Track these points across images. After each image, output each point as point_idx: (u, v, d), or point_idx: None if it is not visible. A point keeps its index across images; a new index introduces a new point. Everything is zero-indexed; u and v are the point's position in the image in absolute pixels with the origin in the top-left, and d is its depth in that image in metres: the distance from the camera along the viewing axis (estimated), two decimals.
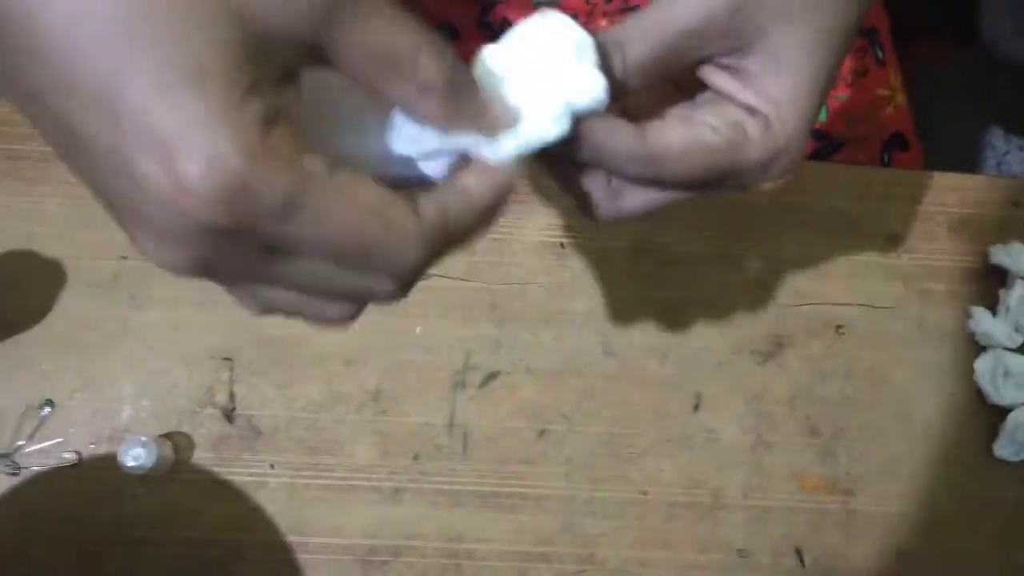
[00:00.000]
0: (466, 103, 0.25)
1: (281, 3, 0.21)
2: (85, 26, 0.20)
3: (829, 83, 0.31)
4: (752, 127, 0.30)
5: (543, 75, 0.27)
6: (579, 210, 0.33)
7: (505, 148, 0.26)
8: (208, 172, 0.20)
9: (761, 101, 0.30)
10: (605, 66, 0.28)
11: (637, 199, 0.31)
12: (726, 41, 0.29)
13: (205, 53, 0.20)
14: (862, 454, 0.49)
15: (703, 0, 0.29)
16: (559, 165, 0.32)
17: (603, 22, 0.56)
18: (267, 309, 0.26)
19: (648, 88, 0.30)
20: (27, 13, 0.20)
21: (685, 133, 0.29)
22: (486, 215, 0.26)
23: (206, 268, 0.23)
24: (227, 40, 0.20)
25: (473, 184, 0.26)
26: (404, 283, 0.25)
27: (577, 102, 0.27)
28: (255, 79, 0.21)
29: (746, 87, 0.30)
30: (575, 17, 0.55)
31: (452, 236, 0.25)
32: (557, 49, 0.27)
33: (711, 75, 0.31)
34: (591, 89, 0.27)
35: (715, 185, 0.30)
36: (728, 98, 0.31)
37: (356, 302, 0.26)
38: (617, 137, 0.28)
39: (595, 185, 0.32)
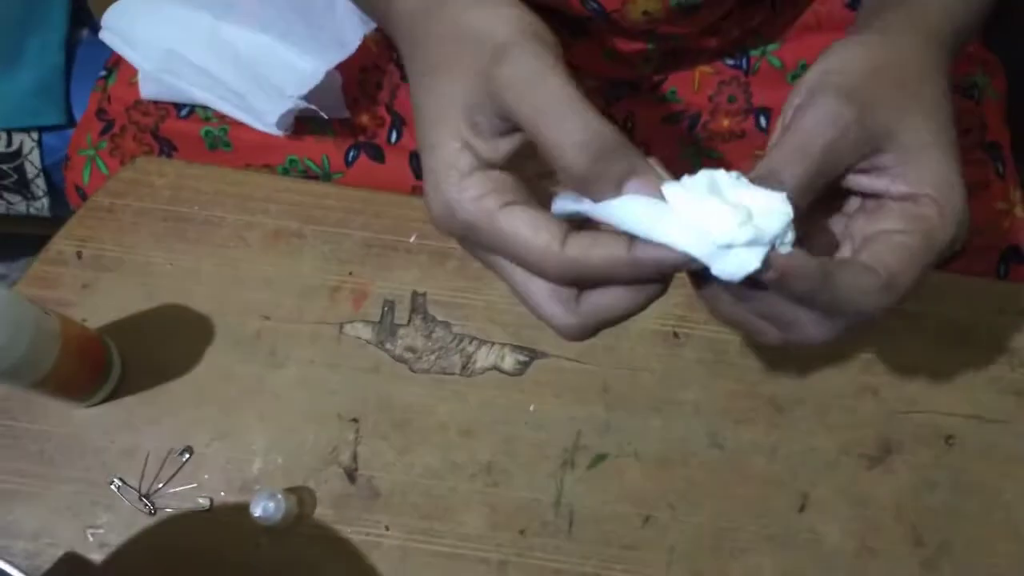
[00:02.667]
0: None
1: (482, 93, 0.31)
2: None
3: (955, 145, 0.33)
4: (928, 210, 0.31)
5: (735, 206, 0.28)
6: (799, 343, 0.34)
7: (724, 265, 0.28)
8: (432, 198, 0.32)
9: (915, 186, 0.32)
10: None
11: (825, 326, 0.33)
12: (862, 147, 0.32)
13: (440, 133, 0.32)
14: (967, 568, 0.49)
15: (835, 115, 0.31)
16: (767, 300, 0.32)
17: (726, 122, 0.58)
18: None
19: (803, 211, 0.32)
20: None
21: (891, 250, 0.31)
22: (633, 274, 0.29)
23: (460, 241, 0.33)
24: (457, 117, 0.31)
25: (634, 250, 0.28)
26: (557, 314, 0.31)
27: (777, 232, 0.28)
28: (466, 140, 0.31)
29: (894, 180, 0.32)
30: (698, 116, 0.58)
31: (585, 273, 0.29)
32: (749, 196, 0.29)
33: (857, 182, 0.33)
34: (785, 216, 0.29)
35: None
36: (883, 194, 0.32)
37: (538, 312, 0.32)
38: (862, 281, 0.30)
39: (805, 312, 0.32)
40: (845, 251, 0.34)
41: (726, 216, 0.28)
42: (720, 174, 0.29)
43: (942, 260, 0.32)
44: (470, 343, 0.51)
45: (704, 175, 0.29)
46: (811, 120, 0.31)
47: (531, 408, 0.50)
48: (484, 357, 0.51)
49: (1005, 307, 0.53)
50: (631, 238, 0.28)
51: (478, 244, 0.32)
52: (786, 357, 0.51)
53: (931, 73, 0.34)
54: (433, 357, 0.51)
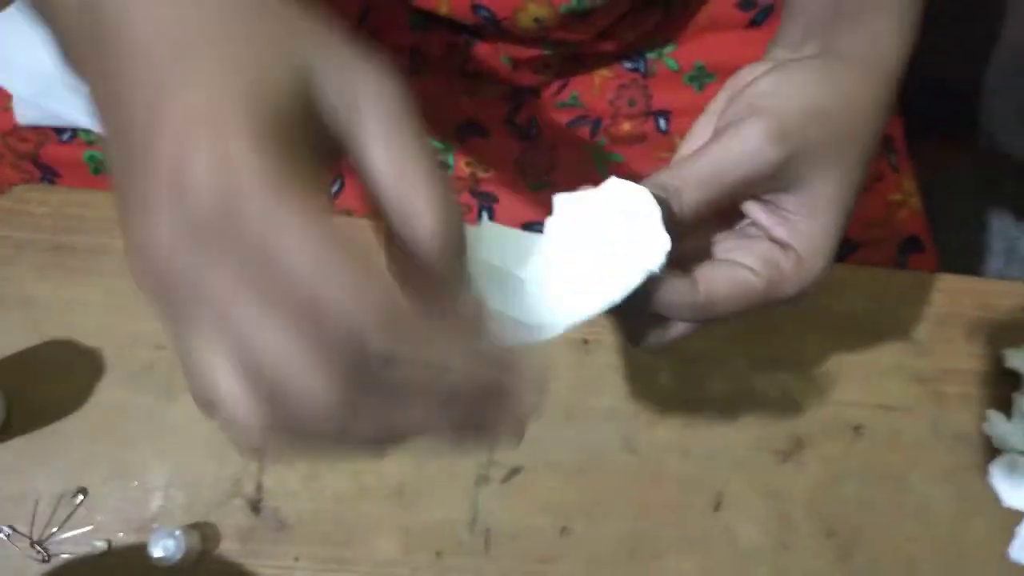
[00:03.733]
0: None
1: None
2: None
3: (850, 216, 0.33)
4: (786, 264, 0.32)
5: (613, 240, 0.29)
6: (628, 341, 0.36)
7: (580, 310, 0.29)
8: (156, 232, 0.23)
9: (796, 239, 0.32)
10: (664, 213, 0.30)
11: (682, 328, 0.35)
12: (772, 184, 0.32)
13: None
14: (879, 556, 0.49)
15: (759, 152, 0.31)
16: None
17: (626, 125, 0.58)
18: None
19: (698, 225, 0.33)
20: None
21: (730, 279, 0.32)
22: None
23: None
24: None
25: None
26: None
27: (647, 267, 0.29)
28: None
29: (782, 223, 0.33)
30: (600, 120, 0.58)
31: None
32: (624, 214, 0.30)
33: (751, 208, 0.34)
34: (659, 255, 0.29)
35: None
36: (765, 230, 0.33)
37: None
38: (677, 293, 0.31)
39: (645, 324, 0.35)
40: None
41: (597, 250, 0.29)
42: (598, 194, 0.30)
43: (779, 307, 0.33)
44: None
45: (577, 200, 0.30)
46: (732, 150, 0.31)
47: None
48: None
49: (905, 296, 0.54)
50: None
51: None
52: (695, 358, 0.51)
53: (872, 121, 0.33)
54: None
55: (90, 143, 0.54)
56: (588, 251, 0.29)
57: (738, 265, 0.32)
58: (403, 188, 0.23)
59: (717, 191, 0.31)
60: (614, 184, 0.30)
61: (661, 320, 0.34)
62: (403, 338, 0.21)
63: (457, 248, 0.24)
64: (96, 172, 0.54)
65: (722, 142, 0.31)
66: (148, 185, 0.22)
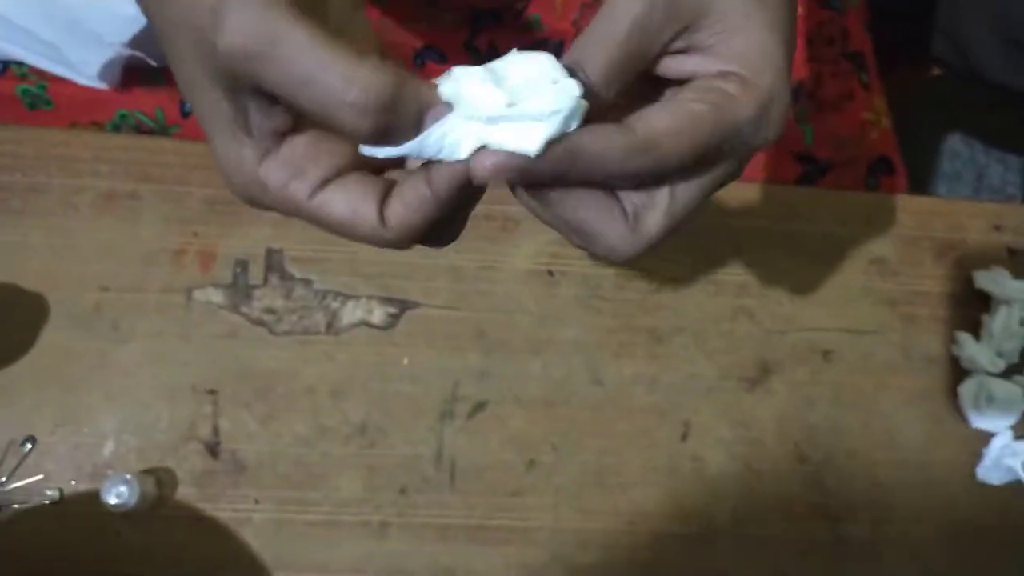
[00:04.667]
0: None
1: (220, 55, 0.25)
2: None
3: (790, 25, 0.29)
4: (731, 86, 0.28)
5: (518, 92, 0.26)
6: (603, 256, 0.30)
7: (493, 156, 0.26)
8: (235, 191, 0.29)
9: (728, 63, 0.28)
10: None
11: (657, 216, 0.29)
12: (673, 24, 0.28)
13: (210, 123, 0.28)
14: (849, 480, 0.49)
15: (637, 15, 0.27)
16: (563, 205, 0.29)
17: None
18: None
19: (616, 100, 0.28)
20: None
21: (670, 111, 0.27)
22: (449, 205, 0.27)
23: None
24: (218, 105, 0.27)
25: (435, 181, 0.27)
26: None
27: (557, 108, 0.25)
28: (236, 130, 0.27)
29: (707, 58, 0.28)
30: (562, 44, 0.55)
31: (416, 237, 0.28)
32: (528, 71, 0.26)
33: (671, 65, 0.29)
34: (569, 96, 0.25)
35: (721, 158, 0.28)
36: (694, 76, 0.29)
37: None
38: (603, 138, 0.26)
39: (607, 222, 0.29)
40: None
41: (490, 98, 0.25)
42: (499, 62, 0.27)
43: (744, 150, 0.29)
44: (334, 299, 0.48)
45: (476, 69, 0.26)
46: (616, 4, 0.27)
47: (405, 361, 0.48)
48: (350, 312, 0.48)
49: (874, 218, 0.53)
50: (428, 173, 0.27)
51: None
52: (662, 288, 0.50)
53: None
54: (295, 317, 0.48)
55: (23, 76, 0.51)
56: (497, 112, 0.25)
57: (675, 100, 0.28)
58: None
59: (616, 48, 0.27)
60: (515, 54, 0.27)
61: (629, 219, 0.29)
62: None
63: None
64: (31, 107, 0.51)
65: (606, 2, 0.27)
66: (220, 160, 0.28)
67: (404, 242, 0.28)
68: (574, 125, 0.26)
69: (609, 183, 0.28)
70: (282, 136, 0.28)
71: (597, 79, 0.27)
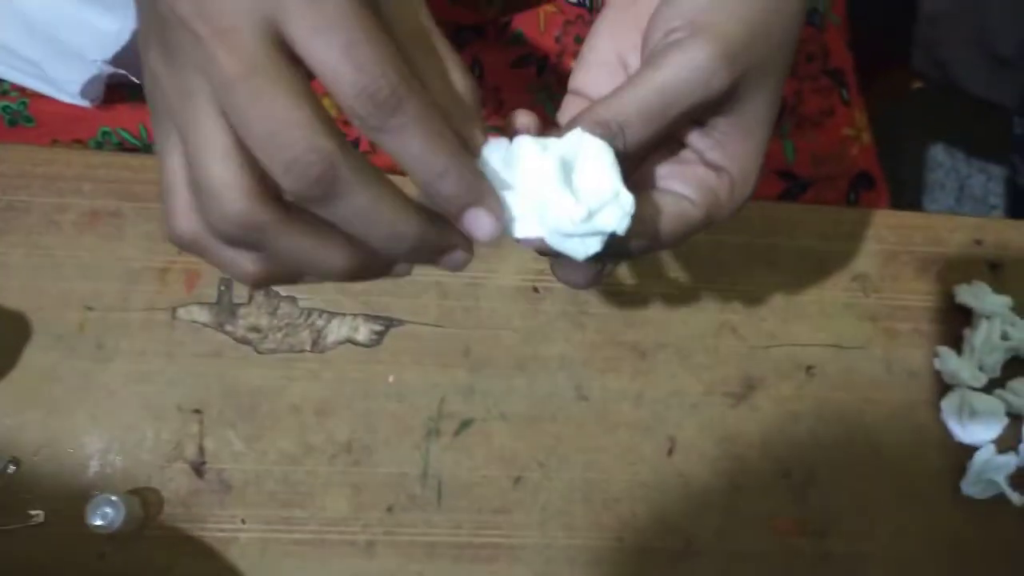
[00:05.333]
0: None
1: None
2: None
3: (774, 122, 0.33)
4: (722, 191, 0.32)
5: (585, 197, 0.29)
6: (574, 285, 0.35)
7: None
8: None
9: (728, 161, 0.32)
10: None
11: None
12: (713, 109, 0.31)
13: None
14: (833, 495, 0.50)
15: (709, 77, 0.29)
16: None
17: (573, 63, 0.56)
18: None
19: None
20: None
21: (674, 215, 0.31)
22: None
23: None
24: None
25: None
26: None
27: (614, 229, 0.29)
28: None
29: (715, 147, 0.32)
30: (546, 59, 0.56)
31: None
32: (593, 169, 0.29)
33: (686, 133, 0.33)
34: (624, 220, 0.29)
35: None
36: (699, 154, 0.33)
37: None
38: (636, 239, 0.31)
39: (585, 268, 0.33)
40: None
41: (568, 210, 0.28)
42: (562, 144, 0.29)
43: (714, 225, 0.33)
44: (319, 317, 0.48)
45: (551, 151, 0.29)
46: (679, 76, 0.29)
47: (390, 379, 0.48)
48: (336, 330, 0.48)
49: (856, 233, 0.53)
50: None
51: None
52: (646, 303, 0.50)
53: (795, 30, 0.32)
54: (280, 335, 0.47)
55: (4, 93, 0.51)
56: (555, 199, 0.29)
57: (679, 197, 0.32)
58: None
59: (664, 123, 0.29)
60: (577, 135, 0.29)
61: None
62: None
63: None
64: (11, 124, 0.51)
65: (666, 68, 0.29)
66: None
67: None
68: (621, 233, 0.29)
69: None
70: None
71: (633, 147, 0.30)
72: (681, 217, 0.31)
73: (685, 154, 0.33)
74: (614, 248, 0.30)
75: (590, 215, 0.28)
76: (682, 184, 0.32)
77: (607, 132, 0.29)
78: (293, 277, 0.28)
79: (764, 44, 0.30)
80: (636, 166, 0.33)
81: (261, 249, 0.26)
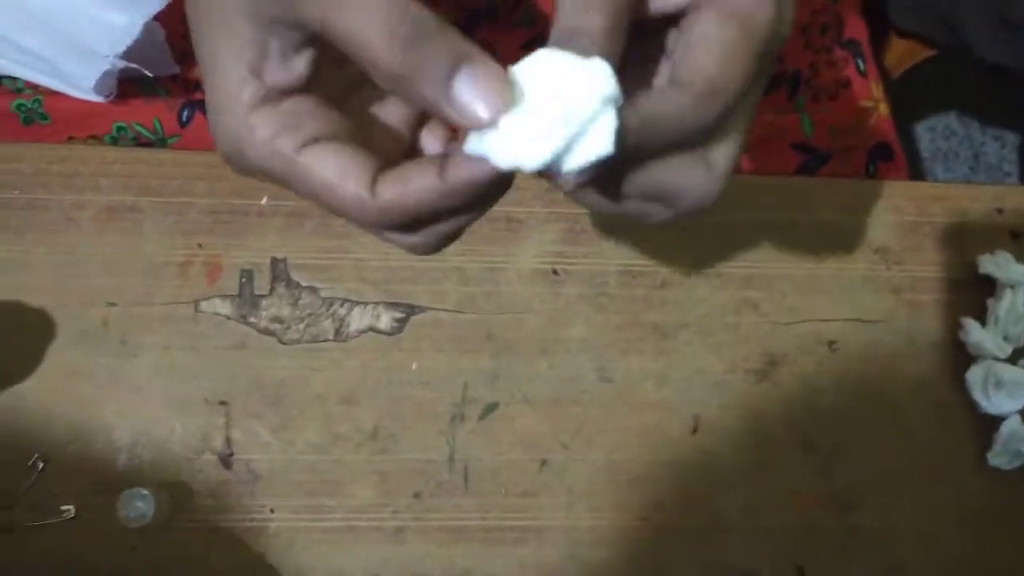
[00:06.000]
0: (423, 101, 0.24)
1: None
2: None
3: None
4: (742, 4, 0.27)
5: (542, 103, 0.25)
6: (689, 212, 0.30)
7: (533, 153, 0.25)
8: (218, 134, 0.27)
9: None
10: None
11: (726, 148, 0.28)
12: None
13: (219, 51, 0.26)
14: (858, 469, 0.50)
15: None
16: (641, 181, 0.28)
17: None
18: None
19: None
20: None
21: (706, 51, 0.26)
22: (454, 203, 0.26)
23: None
24: (234, 35, 0.26)
25: (450, 174, 0.25)
26: (395, 236, 0.28)
27: (602, 96, 0.25)
28: (250, 68, 0.26)
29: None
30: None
31: (403, 219, 0.27)
32: (540, 77, 0.25)
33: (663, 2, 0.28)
34: (605, 76, 0.25)
35: (763, 65, 0.27)
36: (696, 6, 0.27)
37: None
38: (669, 100, 0.26)
39: (689, 175, 0.28)
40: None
41: (538, 139, 0.25)
42: (527, 64, 0.25)
43: (771, 47, 0.27)
44: (341, 306, 0.48)
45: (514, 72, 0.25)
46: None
47: (413, 366, 0.48)
48: (358, 319, 0.48)
49: (875, 206, 0.53)
50: (441, 162, 0.25)
51: (278, 183, 0.28)
52: (666, 283, 0.50)
53: None
54: (302, 326, 0.48)
55: (18, 91, 0.51)
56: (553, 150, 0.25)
57: (695, 40, 0.26)
58: None
59: (612, 7, 0.25)
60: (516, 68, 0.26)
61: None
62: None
63: None
64: (27, 122, 0.51)
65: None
66: (212, 100, 0.27)
67: (385, 222, 0.26)
68: (620, 99, 0.25)
69: (683, 141, 0.27)
70: (288, 94, 0.27)
71: (601, 44, 0.25)
72: (718, 49, 0.26)
73: (684, 21, 0.28)
74: (657, 120, 0.26)
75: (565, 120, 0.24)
76: (694, 30, 0.27)
77: (570, 40, 0.25)
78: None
79: None
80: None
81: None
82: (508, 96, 0.24)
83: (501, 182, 0.26)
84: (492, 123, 0.24)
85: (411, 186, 0.26)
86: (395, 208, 0.26)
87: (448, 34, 0.24)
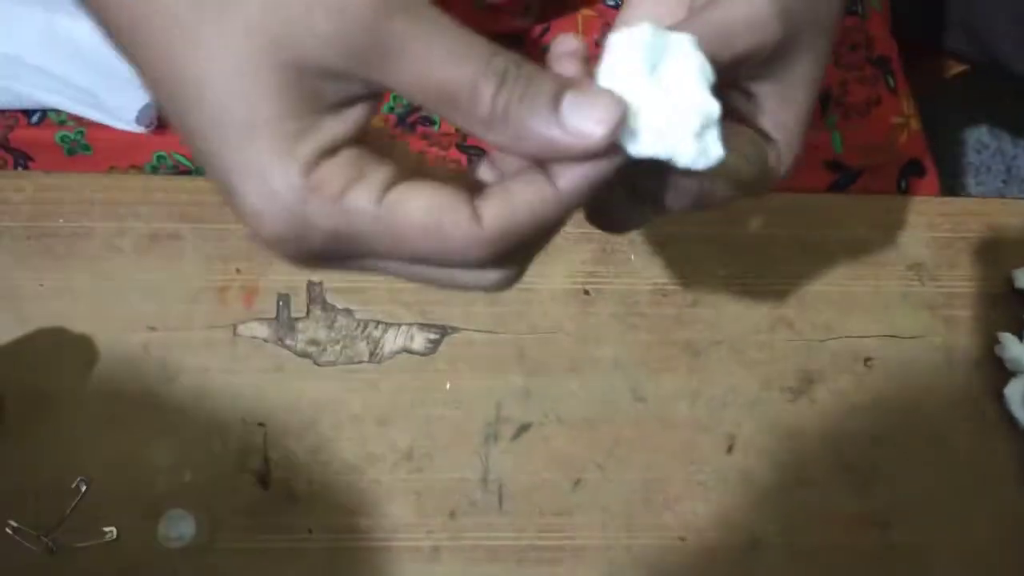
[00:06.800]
0: (527, 134, 0.23)
1: (324, 47, 0.22)
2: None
3: (819, 82, 0.31)
4: (771, 157, 0.30)
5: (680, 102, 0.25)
6: (611, 226, 0.32)
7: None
8: (266, 209, 0.23)
9: (774, 129, 0.30)
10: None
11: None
12: (757, 70, 0.29)
13: (257, 106, 0.22)
14: (897, 487, 0.49)
15: (763, 23, 0.27)
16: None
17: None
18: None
19: None
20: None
21: (730, 169, 0.28)
22: (567, 212, 0.24)
23: (305, 262, 0.25)
24: (277, 88, 0.22)
25: (563, 177, 0.24)
26: (486, 275, 0.26)
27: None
28: (304, 122, 0.22)
29: (760, 114, 0.30)
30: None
31: (523, 238, 0.24)
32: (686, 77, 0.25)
33: (729, 94, 0.30)
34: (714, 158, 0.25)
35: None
36: (746, 119, 0.31)
37: (465, 287, 0.27)
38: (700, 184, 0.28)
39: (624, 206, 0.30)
40: None
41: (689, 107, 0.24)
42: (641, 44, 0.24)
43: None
44: (376, 328, 0.49)
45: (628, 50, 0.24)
46: (737, 16, 0.27)
47: (447, 386, 0.48)
48: (392, 340, 0.49)
49: (908, 222, 0.53)
50: (546, 169, 0.24)
51: (358, 255, 0.24)
52: (697, 301, 0.50)
53: None
54: (338, 348, 0.48)
55: (61, 123, 0.52)
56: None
57: (735, 152, 0.28)
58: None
59: (720, 65, 0.26)
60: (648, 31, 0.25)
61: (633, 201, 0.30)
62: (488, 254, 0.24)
63: None
64: (70, 153, 0.52)
65: (725, 7, 0.27)
66: (244, 171, 0.23)
67: (498, 251, 0.24)
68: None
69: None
70: (340, 147, 0.23)
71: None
72: (735, 173, 0.29)
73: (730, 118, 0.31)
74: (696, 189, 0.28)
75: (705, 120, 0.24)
76: (741, 144, 0.30)
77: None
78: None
79: (813, 3, 0.29)
80: None
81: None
82: (621, 108, 0.23)
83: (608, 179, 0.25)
84: (612, 136, 0.23)
85: (519, 200, 0.24)
86: (508, 231, 0.23)
87: (534, 67, 0.24)
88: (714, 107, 0.25)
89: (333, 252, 0.24)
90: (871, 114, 0.55)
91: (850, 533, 0.48)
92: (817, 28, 0.29)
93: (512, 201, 0.24)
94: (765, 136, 0.30)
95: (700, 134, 0.24)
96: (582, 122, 0.23)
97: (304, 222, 0.23)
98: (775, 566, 0.47)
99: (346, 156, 0.23)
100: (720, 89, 0.25)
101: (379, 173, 0.23)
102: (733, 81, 0.29)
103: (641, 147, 0.24)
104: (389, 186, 0.23)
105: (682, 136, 0.24)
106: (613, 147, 0.24)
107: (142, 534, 0.45)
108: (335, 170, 0.23)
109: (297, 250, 0.24)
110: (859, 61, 0.56)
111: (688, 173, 0.26)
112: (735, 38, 0.27)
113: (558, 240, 0.50)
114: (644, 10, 0.32)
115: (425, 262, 0.24)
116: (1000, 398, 0.50)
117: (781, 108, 0.30)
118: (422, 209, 0.23)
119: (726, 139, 0.26)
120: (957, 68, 0.81)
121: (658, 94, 0.24)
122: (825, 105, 0.56)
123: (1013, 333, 0.50)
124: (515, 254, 0.25)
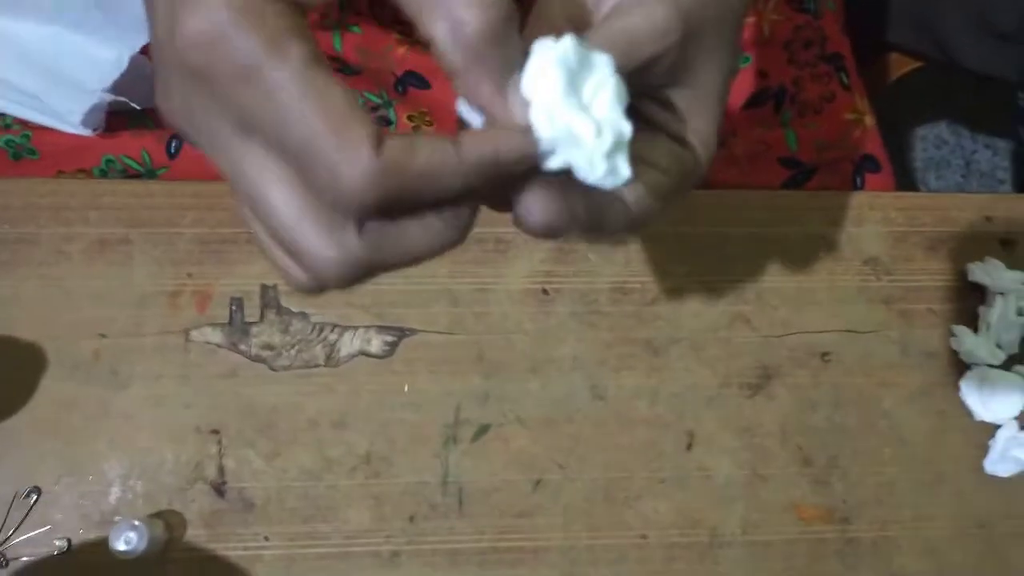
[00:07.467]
0: (487, 75, 0.24)
1: None
2: None
3: (729, 86, 0.31)
4: (688, 162, 0.30)
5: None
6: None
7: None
8: (197, 20, 0.22)
9: (690, 135, 0.31)
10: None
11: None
12: (665, 77, 0.29)
13: None
14: (856, 480, 0.49)
15: (654, 27, 0.27)
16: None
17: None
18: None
19: None
20: None
21: (649, 185, 0.29)
22: (463, 180, 0.24)
23: (184, 112, 0.24)
24: None
25: (468, 142, 0.24)
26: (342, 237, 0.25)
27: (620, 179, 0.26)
28: None
29: (676, 120, 0.31)
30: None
31: (411, 186, 0.23)
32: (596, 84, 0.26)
33: (645, 105, 0.30)
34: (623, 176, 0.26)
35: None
36: (662, 126, 0.31)
37: (286, 246, 0.26)
38: (621, 209, 0.28)
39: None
40: None
41: (591, 126, 0.25)
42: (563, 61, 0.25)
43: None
44: (332, 331, 0.48)
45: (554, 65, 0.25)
46: (640, 25, 0.27)
47: (405, 389, 0.48)
48: (348, 343, 0.48)
49: (863, 217, 0.53)
50: (457, 138, 0.24)
51: (228, 108, 0.23)
52: (656, 300, 0.50)
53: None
54: (294, 352, 0.48)
55: (7, 127, 0.51)
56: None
57: (652, 164, 0.29)
58: None
59: (628, 68, 0.27)
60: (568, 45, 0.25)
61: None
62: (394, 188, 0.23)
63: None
64: (16, 157, 0.51)
65: (625, 16, 0.27)
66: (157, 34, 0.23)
67: (383, 192, 0.23)
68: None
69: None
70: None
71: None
72: (656, 189, 0.29)
73: (642, 133, 0.30)
74: (615, 212, 0.28)
75: (611, 129, 0.25)
76: (658, 156, 0.30)
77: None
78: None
79: (715, 6, 0.29)
80: None
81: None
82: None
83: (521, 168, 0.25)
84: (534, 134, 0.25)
85: (421, 144, 0.23)
86: (398, 168, 0.22)
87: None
88: (627, 129, 0.25)
89: (210, 89, 0.23)
90: (825, 111, 0.56)
91: (810, 527, 0.48)
92: (720, 25, 0.30)
93: (414, 143, 0.23)
94: (681, 141, 0.30)
95: (611, 154, 0.25)
96: (520, 109, 0.24)
97: (214, 40, 0.22)
98: (736, 561, 0.48)
99: (282, 7, 0.23)
100: (634, 98, 0.26)
101: (310, 44, 0.23)
102: (644, 89, 0.30)
103: (554, 160, 0.25)
104: (318, 61, 0.23)
105: (594, 153, 0.25)
106: (529, 144, 0.25)
107: (94, 545, 0.44)
108: (285, 16, 0.23)
109: (189, 63, 0.23)
110: (812, 59, 0.57)
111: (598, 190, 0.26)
112: (638, 47, 0.27)
113: (515, 239, 0.50)
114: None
115: (293, 147, 0.23)
116: (956, 391, 0.50)
117: (693, 111, 0.30)
118: (341, 100, 0.22)
119: (645, 152, 0.28)
120: (912, 65, 0.82)
121: (575, 111, 0.25)
122: (779, 102, 0.56)
123: (968, 326, 0.51)
124: (386, 214, 0.24)
